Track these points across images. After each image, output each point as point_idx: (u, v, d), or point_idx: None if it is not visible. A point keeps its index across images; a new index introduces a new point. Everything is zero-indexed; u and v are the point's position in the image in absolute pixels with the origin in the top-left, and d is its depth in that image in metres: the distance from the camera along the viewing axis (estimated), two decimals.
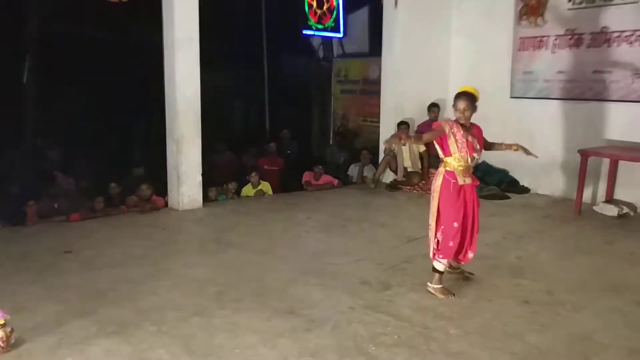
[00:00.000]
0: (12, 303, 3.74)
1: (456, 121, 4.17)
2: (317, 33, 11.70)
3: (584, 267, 4.92)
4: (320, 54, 12.57)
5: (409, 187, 8.08)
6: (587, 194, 7.01)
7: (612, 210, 6.64)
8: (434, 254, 4.22)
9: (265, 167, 8.91)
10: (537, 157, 4.56)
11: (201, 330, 3.62)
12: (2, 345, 3.30)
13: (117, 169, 8.78)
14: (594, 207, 6.88)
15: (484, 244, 5.46)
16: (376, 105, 9.35)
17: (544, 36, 7.78)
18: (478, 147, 4.18)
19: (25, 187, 7.52)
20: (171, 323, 3.72)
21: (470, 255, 4.40)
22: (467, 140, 4.12)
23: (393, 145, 7.82)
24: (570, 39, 7.46)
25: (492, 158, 8.38)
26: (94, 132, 10.24)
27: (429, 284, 4.24)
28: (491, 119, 8.33)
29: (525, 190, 7.97)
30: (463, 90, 4.18)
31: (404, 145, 4.24)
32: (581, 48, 7.36)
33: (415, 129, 8.53)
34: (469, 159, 4.14)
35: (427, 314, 3.88)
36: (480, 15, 8.54)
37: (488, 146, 4.40)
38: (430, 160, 8.19)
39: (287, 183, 8.95)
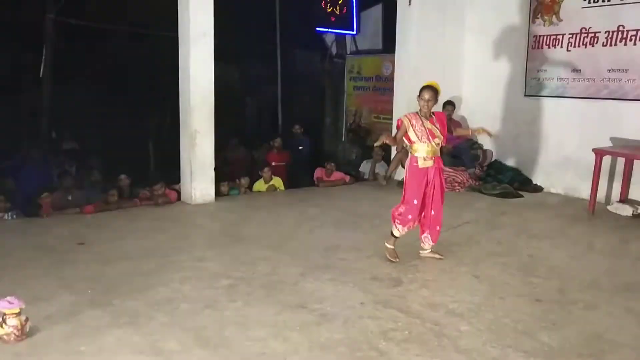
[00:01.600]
0: (26, 293, 3.76)
1: (416, 113, 4.73)
2: (330, 30, 11.70)
3: (597, 267, 4.89)
4: (334, 50, 12.56)
5: None
6: (601, 194, 6.95)
7: (626, 210, 6.58)
8: (394, 220, 4.81)
9: (273, 162, 8.92)
10: (497, 136, 5.45)
11: (212, 322, 3.65)
12: (16, 333, 3.34)
13: (130, 162, 8.84)
14: (608, 207, 6.83)
15: (496, 242, 5.48)
16: (389, 102, 9.33)
17: (558, 34, 7.72)
18: (438, 132, 4.70)
19: (40, 179, 7.59)
20: (183, 315, 3.75)
21: (428, 238, 4.90)
22: (425, 128, 4.67)
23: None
24: (586, 37, 7.41)
25: (504, 156, 8.36)
26: (109, 125, 10.31)
27: (385, 242, 4.89)
28: (505, 117, 8.39)
29: (538, 189, 7.92)
30: (428, 84, 4.72)
31: (384, 144, 4.79)
32: (596, 46, 7.30)
33: None
34: (433, 144, 4.68)
35: (438, 310, 3.87)
36: (494, 13, 8.49)
37: (455, 131, 5.06)
38: (443, 158, 8.16)
39: (299, 179, 8.96)
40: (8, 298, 3.40)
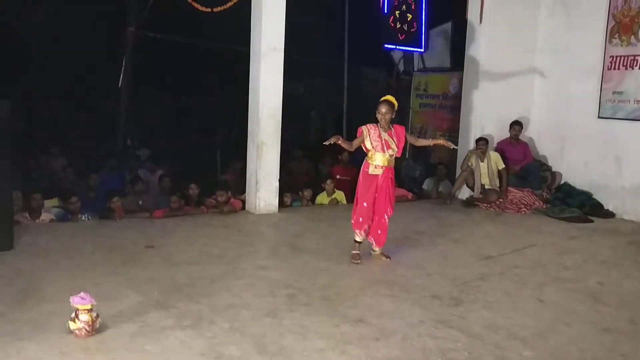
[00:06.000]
0: (97, 291, 3.93)
1: (376, 125, 5.05)
2: (398, 47, 11.70)
3: None
4: (401, 67, 12.55)
5: (485, 205, 7.91)
6: None
7: None
8: (353, 227, 5.19)
9: (338, 176, 8.96)
10: (455, 147, 5.76)
11: (272, 330, 3.70)
12: (87, 329, 3.48)
13: (200, 170, 9.13)
14: None
15: (563, 267, 5.31)
16: (455, 121, 9.23)
17: (637, 55, 7.44)
18: (394, 145, 5.04)
19: (115, 183, 7.94)
20: (243, 321, 3.82)
21: (373, 242, 5.25)
22: (382, 139, 5.02)
23: (472, 161, 7.79)
24: None
25: (574, 179, 8.10)
26: (180, 134, 10.69)
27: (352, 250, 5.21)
28: (576, 139, 8.16)
29: (609, 214, 7.61)
30: (384, 98, 5.10)
31: (334, 143, 5.00)
32: None
33: (495, 146, 8.36)
34: (387, 154, 5.03)
35: (500, 332, 3.79)
36: (568, 33, 8.27)
37: (415, 142, 5.71)
38: (509, 179, 8.01)
39: None
40: (81, 294, 3.55)
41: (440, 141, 5.60)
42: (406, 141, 5.25)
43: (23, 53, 10.60)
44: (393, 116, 5.06)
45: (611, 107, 7.77)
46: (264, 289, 4.45)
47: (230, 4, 6.64)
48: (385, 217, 5.20)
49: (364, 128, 5.10)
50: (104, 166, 8.81)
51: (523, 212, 7.69)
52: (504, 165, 7.96)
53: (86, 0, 10.50)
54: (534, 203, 7.83)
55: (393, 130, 5.09)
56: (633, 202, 7.45)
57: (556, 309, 4.28)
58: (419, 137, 11.69)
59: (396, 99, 5.16)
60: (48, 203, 6.75)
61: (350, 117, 12.66)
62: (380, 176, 5.08)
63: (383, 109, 5.02)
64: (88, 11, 10.53)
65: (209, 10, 6.65)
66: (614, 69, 7.72)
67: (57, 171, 8.83)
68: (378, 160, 5.05)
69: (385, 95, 5.26)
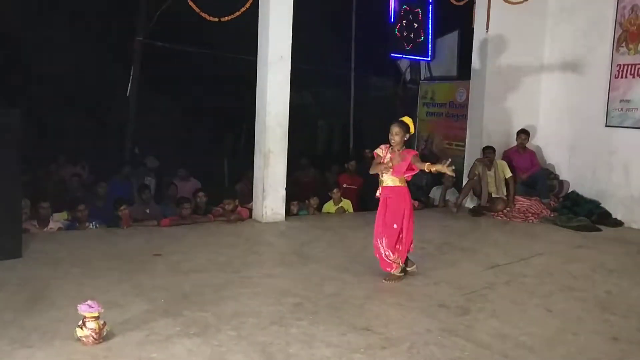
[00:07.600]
0: (104, 298, 3.94)
1: (388, 145, 4.94)
2: (405, 56, 11.74)
3: None
4: (408, 76, 12.58)
5: (493, 213, 7.89)
6: None
7: None
8: None
9: (345, 185, 8.98)
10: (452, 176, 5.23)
11: (278, 338, 3.70)
12: (94, 336, 3.49)
13: (207, 178, 9.16)
14: None
15: (571, 276, 5.28)
16: (462, 129, 9.23)
17: None
18: (389, 167, 4.86)
19: (123, 192, 7.97)
20: (250, 329, 3.82)
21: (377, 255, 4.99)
22: (383, 160, 4.91)
23: (479, 170, 7.79)
24: None
25: (582, 188, 8.07)
26: (188, 142, 10.75)
27: None
28: (583, 148, 8.14)
29: (618, 223, 7.57)
30: (400, 119, 4.95)
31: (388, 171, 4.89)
32: None
33: (502, 154, 8.36)
34: (386, 175, 4.92)
35: (507, 342, 3.77)
36: (575, 41, 8.27)
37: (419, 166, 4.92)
38: (517, 187, 7.99)
39: (368, 202, 8.97)
40: (88, 302, 3.56)
41: (437, 167, 4.81)
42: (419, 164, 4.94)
43: (32, 63, 10.71)
44: (405, 138, 4.88)
45: (619, 116, 7.75)
46: (270, 297, 4.45)
47: (237, 13, 6.68)
48: (378, 241, 4.95)
49: (378, 149, 5.02)
50: (113, 174, 8.86)
51: (530, 221, 7.66)
52: (511, 174, 7.95)
53: (95, 11, 10.62)
54: (541, 212, 7.80)
55: (398, 152, 4.90)
56: None
57: (564, 318, 4.26)
58: (425, 146, 11.78)
59: (403, 108, 5.12)
60: (57, 216, 6.79)
61: (357, 126, 12.71)
62: (382, 197, 4.97)
63: (394, 129, 4.86)
64: (97, 21, 10.64)
65: (217, 19, 6.69)
66: (621, 77, 7.71)
67: (65, 179, 8.88)
68: (384, 182, 4.94)
69: (394, 102, 5.20)
